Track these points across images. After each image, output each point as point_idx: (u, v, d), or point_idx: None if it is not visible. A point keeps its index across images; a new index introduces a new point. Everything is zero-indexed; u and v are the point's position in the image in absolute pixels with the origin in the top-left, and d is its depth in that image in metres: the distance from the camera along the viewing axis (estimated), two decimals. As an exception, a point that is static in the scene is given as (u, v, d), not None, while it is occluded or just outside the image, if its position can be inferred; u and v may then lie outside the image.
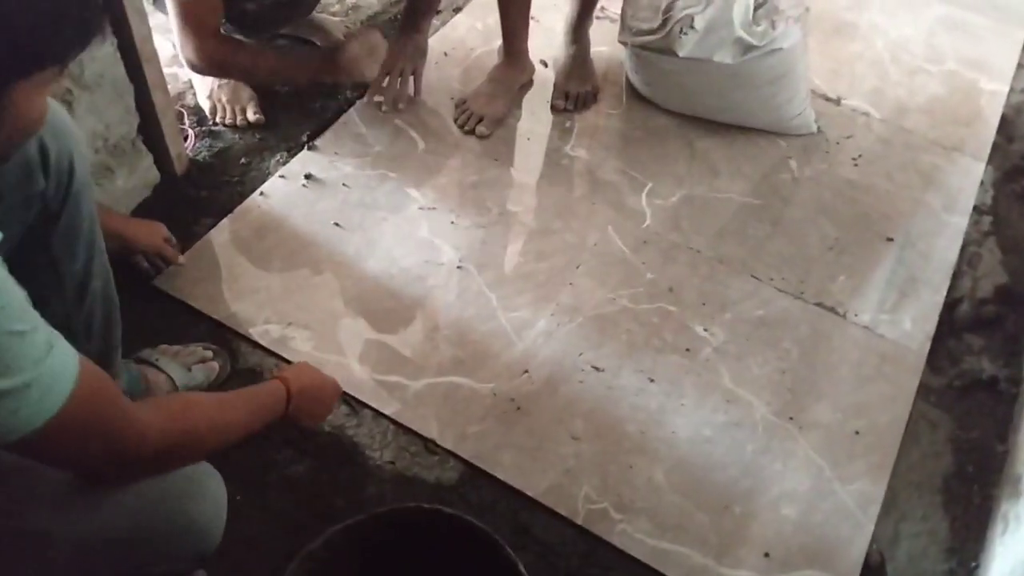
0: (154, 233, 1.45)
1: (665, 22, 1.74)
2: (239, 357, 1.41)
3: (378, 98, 1.82)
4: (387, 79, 1.81)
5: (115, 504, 0.86)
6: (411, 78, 1.84)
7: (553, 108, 1.90)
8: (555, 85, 1.93)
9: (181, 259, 1.49)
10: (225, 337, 1.43)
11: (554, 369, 1.44)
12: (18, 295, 0.72)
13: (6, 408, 0.68)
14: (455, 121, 1.84)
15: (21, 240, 1.04)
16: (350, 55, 1.66)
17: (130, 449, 0.80)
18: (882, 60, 2.12)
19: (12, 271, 1.11)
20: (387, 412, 1.36)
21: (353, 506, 1.25)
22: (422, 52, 1.86)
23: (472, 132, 1.82)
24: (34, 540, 0.84)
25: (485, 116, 1.82)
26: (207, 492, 0.92)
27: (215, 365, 1.36)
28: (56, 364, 0.72)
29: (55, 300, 1.10)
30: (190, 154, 1.70)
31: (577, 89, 1.90)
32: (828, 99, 1.99)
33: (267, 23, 1.80)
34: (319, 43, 1.97)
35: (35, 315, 0.72)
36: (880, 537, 1.30)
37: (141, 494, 0.87)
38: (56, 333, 0.74)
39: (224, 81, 1.76)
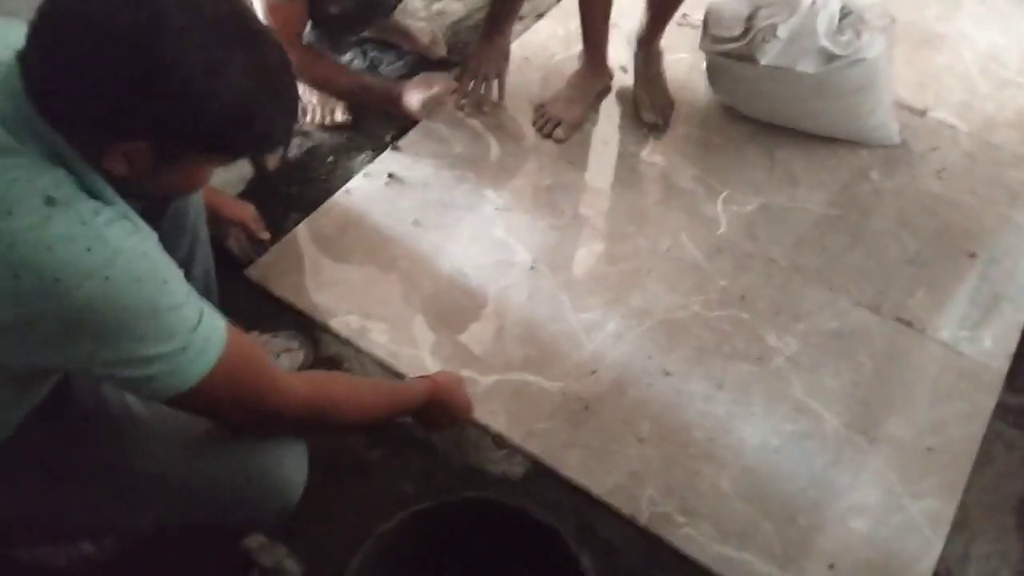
0: (241, 207, 1.52)
1: (748, 30, 1.74)
2: (320, 346, 1.48)
3: (463, 101, 1.87)
4: (471, 83, 1.86)
5: (222, 458, 0.99)
6: (495, 82, 1.88)
7: (643, 122, 1.88)
8: (637, 99, 1.90)
9: (266, 234, 1.55)
10: (307, 327, 1.50)
11: (623, 371, 1.46)
12: (177, 272, 0.82)
13: (167, 368, 0.80)
14: (533, 125, 1.87)
15: None
16: (406, 87, 1.70)
17: (277, 407, 0.93)
18: (970, 72, 2.06)
19: None
20: (458, 406, 1.40)
21: (422, 493, 1.29)
22: (505, 56, 1.89)
23: (549, 136, 1.85)
24: (151, 480, 0.98)
25: (563, 120, 1.85)
26: (292, 458, 1.03)
27: (300, 355, 1.43)
28: (206, 330, 0.83)
29: None
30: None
31: (659, 103, 1.88)
32: (913, 111, 1.95)
33: (351, 26, 1.85)
34: (404, 47, 2.03)
35: (188, 287, 0.83)
36: (949, 556, 1.28)
37: (244, 453, 1.00)
38: (205, 302, 0.85)
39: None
